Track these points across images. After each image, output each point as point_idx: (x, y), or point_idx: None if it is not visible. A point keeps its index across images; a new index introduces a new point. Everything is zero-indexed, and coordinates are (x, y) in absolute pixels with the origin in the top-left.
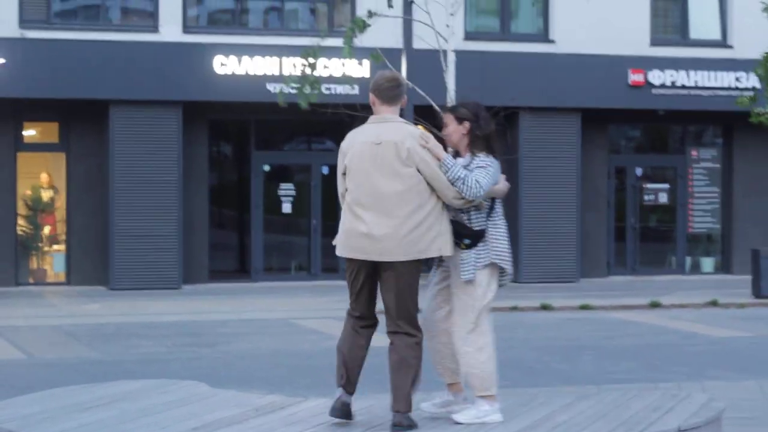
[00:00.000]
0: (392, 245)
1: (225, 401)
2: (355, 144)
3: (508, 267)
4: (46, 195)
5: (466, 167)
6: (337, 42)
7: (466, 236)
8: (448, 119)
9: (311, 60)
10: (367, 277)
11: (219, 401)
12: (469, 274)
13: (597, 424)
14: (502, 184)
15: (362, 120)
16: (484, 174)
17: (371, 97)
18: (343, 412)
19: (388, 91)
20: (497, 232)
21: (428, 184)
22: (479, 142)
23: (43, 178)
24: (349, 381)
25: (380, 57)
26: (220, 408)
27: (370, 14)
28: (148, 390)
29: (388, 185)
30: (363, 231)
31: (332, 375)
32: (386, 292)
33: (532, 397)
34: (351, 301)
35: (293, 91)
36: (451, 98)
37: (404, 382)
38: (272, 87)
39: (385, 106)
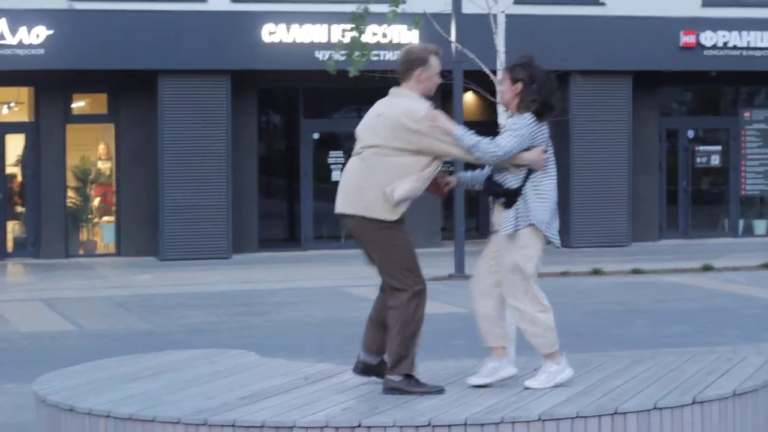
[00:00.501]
0: (342, 199)
1: (273, 370)
2: (366, 115)
3: (549, 233)
4: (104, 166)
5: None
6: (386, 8)
7: (499, 194)
8: (505, 77)
9: (360, 26)
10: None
11: (267, 370)
12: (507, 230)
13: (651, 388)
14: (534, 153)
15: None
16: (507, 136)
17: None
18: (360, 369)
19: (399, 66)
20: (538, 195)
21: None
22: (529, 104)
23: (101, 149)
24: (366, 338)
25: (421, 21)
26: (269, 377)
27: None
28: (195, 360)
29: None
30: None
31: None
32: (363, 248)
33: (586, 363)
34: None
35: (342, 59)
36: (501, 62)
37: (390, 342)
38: (321, 54)
39: (402, 81)
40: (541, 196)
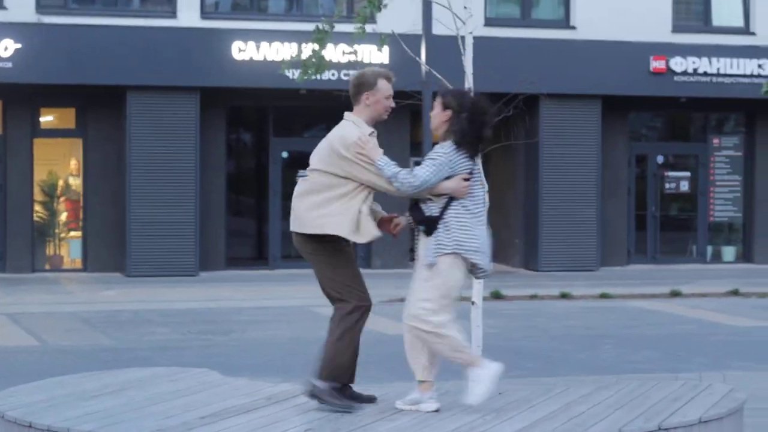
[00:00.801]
0: (292, 218)
1: (236, 389)
2: None
3: (476, 259)
4: (75, 182)
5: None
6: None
7: (420, 222)
8: (436, 103)
9: (321, 41)
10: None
11: (229, 389)
12: (427, 259)
13: (616, 414)
14: (454, 182)
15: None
16: (424, 166)
17: None
18: (310, 393)
19: (350, 90)
20: (460, 223)
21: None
22: (453, 133)
23: (72, 164)
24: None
25: (386, 39)
26: (231, 396)
27: None
28: (157, 378)
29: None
30: None
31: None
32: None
33: (550, 387)
34: None
35: (294, 73)
36: (469, 83)
37: (327, 348)
38: (290, 73)
39: (353, 104)
40: (463, 224)
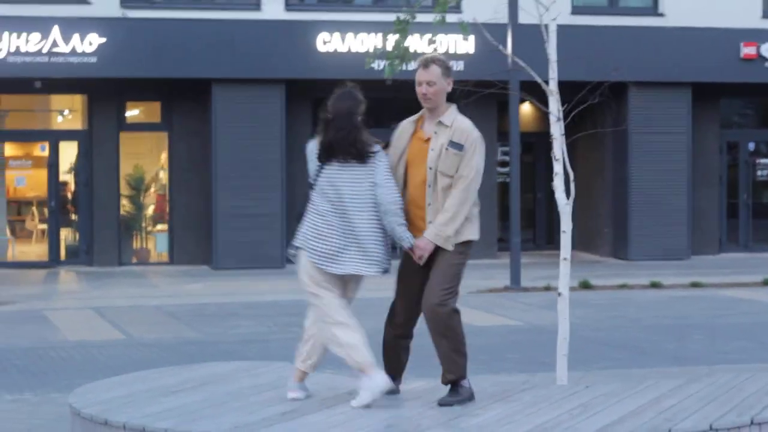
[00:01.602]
0: None
1: (317, 384)
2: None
3: (313, 258)
4: (160, 175)
5: None
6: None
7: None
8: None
9: (403, 32)
10: None
11: (311, 384)
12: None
13: (707, 408)
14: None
15: (469, 96)
16: None
17: (451, 83)
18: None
19: None
20: (309, 219)
21: None
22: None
23: (163, 158)
24: None
25: (466, 26)
26: (312, 391)
27: None
28: (238, 372)
29: None
30: None
31: (433, 356)
32: None
33: (641, 380)
34: None
35: (380, 65)
36: (553, 71)
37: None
38: (376, 64)
39: None
40: (311, 221)
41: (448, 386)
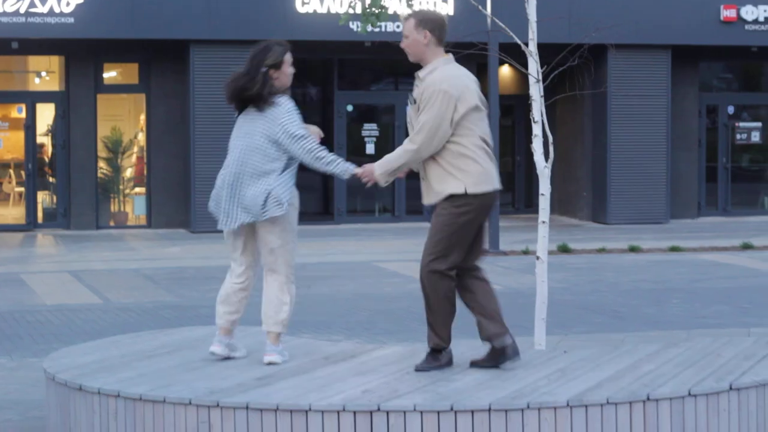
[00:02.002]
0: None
1: (294, 349)
2: (468, 88)
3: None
4: (143, 137)
5: None
6: None
7: None
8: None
9: None
10: None
11: (287, 349)
12: None
13: (686, 373)
14: None
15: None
16: None
17: (429, 35)
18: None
19: (446, 34)
20: None
21: None
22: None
23: (142, 119)
24: None
25: None
26: (289, 356)
27: None
28: (213, 337)
29: None
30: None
31: (413, 319)
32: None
33: (619, 345)
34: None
35: (358, 25)
36: (533, 31)
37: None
38: (354, 25)
39: (440, 48)
40: None
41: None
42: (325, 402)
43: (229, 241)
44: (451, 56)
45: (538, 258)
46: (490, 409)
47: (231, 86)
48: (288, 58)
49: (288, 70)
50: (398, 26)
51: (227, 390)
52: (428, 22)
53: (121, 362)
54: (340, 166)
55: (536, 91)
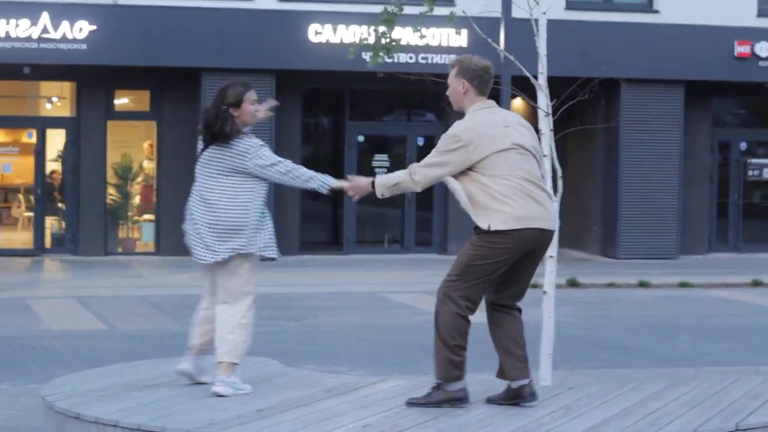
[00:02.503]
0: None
1: (295, 381)
2: (486, 135)
3: None
4: (149, 165)
5: None
6: (436, 10)
7: None
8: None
9: (388, 24)
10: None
11: (289, 381)
12: None
13: (692, 413)
14: None
15: None
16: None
17: (467, 85)
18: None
19: (489, 82)
20: None
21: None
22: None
23: (146, 147)
24: None
25: (454, 19)
26: (290, 388)
27: None
28: (216, 366)
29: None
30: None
31: (419, 352)
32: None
33: (625, 382)
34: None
35: (367, 55)
36: (542, 65)
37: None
38: (367, 56)
39: (480, 97)
40: None
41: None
42: None
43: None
44: (486, 102)
45: (545, 292)
46: None
47: (201, 121)
48: (249, 96)
49: (249, 108)
50: (411, 57)
51: (226, 422)
52: (468, 71)
53: (122, 391)
54: (318, 181)
55: (545, 125)
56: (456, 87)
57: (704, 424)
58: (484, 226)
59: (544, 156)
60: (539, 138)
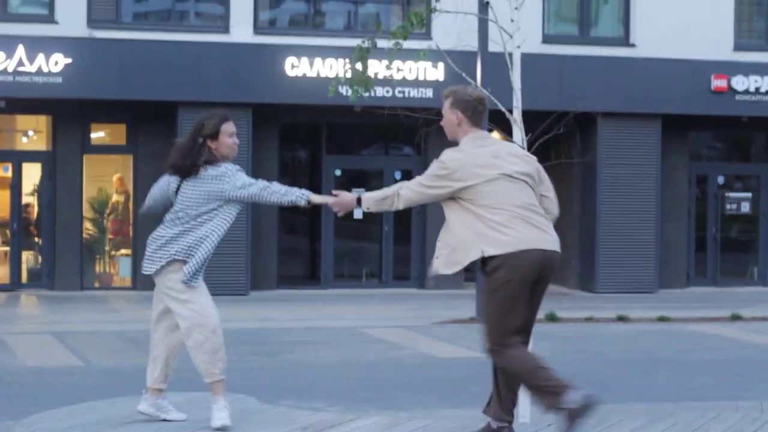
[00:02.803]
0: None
1: (271, 419)
2: (471, 163)
3: None
4: (119, 198)
5: None
6: (410, 43)
7: None
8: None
9: (363, 59)
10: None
11: (265, 419)
12: None
13: None
14: None
15: (435, 123)
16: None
17: (461, 116)
18: None
19: (483, 113)
20: None
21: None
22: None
23: (115, 180)
24: None
25: (426, 55)
26: (265, 426)
27: (431, 9)
28: (191, 404)
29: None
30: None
31: (396, 388)
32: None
33: (604, 418)
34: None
35: (347, 90)
36: (517, 99)
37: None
38: (344, 90)
39: (474, 128)
40: None
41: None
42: None
43: None
44: (480, 133)
45: None
46: None
47: (167, 162)
48: (226, 128)
49: (227, 140)
50: (387, 91)
51: None
52: (461, 102)
53: (95, 429)
54: (295, 194)
55: None
56: (450, 118)
57: None
58: (476, 255)
59: None
60: None
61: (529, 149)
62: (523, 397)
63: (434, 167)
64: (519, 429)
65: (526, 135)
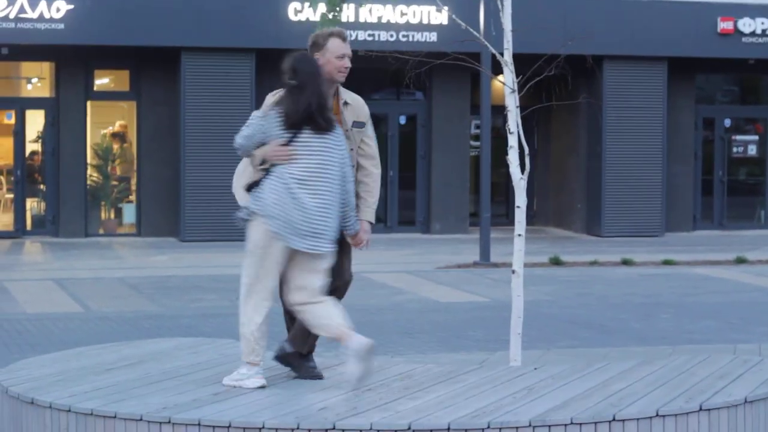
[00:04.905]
0: None
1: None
2: None
3: (274, 227)
4: (116, 145)
5: None
6: None
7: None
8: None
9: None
10: None
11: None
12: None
13: (656, 393)
14: (268, 148)
15: (442, 68)
16: (241, 130)
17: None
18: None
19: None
20: (271, 189)
21: None
22: (279, 101)
23: (117, 125)
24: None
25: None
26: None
27: None
28: (179, 350)
29: None
30: None
31: (395, 332)
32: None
33: (591, 362)
34: None
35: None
36: (508, 41)
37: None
38: (348, 33)
39: None
40: (273, 190)
41: None
42: (278, 420)
43: None
44: None
45: (513, 272)
46: (449, 429)
47: (312, 103)
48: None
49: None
50: (391, 35)
51: (181, 406)
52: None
53: (79, 375)
54: (354, 217)
55: (512, 102)
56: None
57: (667, 405)
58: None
59: (511, 133)
60: (506, 116)
61: (520, 91)
62: (515, 340)
63: None
64: (505, 371)
65: (531, 78)
